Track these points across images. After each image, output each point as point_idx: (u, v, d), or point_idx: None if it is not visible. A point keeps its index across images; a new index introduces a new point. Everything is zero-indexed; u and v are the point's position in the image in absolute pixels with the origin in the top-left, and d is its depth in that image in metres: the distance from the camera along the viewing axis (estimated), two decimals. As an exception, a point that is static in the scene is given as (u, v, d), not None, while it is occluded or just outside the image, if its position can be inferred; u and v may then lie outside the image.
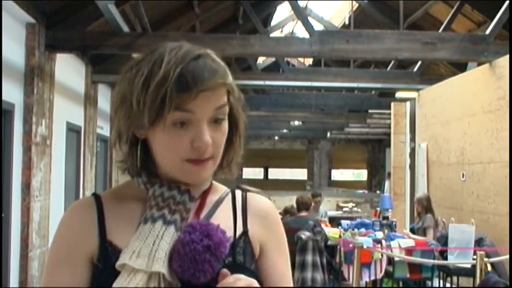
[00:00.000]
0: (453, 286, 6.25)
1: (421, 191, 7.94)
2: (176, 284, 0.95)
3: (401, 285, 6.33)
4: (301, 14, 7.53)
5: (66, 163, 7.31)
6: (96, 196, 1.06)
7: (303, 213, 7.23)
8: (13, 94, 5.47)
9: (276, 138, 22.23)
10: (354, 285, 5.52)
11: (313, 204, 8.19)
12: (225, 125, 1.01)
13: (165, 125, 0.96)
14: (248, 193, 1.12)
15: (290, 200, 8.35)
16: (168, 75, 0.94)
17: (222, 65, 1.02)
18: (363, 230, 7.00)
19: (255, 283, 0.90)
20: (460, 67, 9.02)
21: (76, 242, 1.00)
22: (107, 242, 0.99)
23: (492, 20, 6.72)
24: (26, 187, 5.64)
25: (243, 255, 1.02)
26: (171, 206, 1.00)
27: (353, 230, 6.87)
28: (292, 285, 1.05)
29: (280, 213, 8.13)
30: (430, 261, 5.91)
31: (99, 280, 0.97)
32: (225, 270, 0.93)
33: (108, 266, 0.95)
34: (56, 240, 1.03)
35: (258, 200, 1.11)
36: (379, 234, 6.62)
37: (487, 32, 6.50)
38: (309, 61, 15.21)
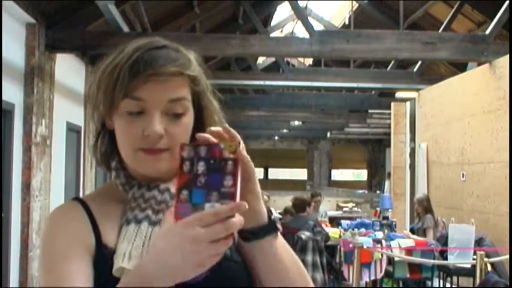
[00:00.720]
0: (453, 286, 6.25)
1: (420, 192, 7.94)
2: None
3: (401, 285, 6.33)
4: (301, 14, 7.53)
5: (66, 163, 7.31)
6: (79, 200, 1.03)
7: (303, 214, 7.24)
8: (13, 94, 5.47)
9: (276, 138, 22.24)
10: (354, 285, 5.52)
11: (313, 204, 8.20)
12: (186, 119, 0.98)
13: (118, 112, 0.96)
14: None
15: (290, 200, 8.36)
16: (122, 61, 0.96)
17: (188, 57, 1.00)
18: (363, 230, 7.00)
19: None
20: (460, 67, 9.02)
21: (76, 238, 0.96)
22: (102, 245, 0.97)
23: (492, 20, 6.72)
24: (26, 187, 5.64)
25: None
26: (154, 206, 0.99)
27: (353, 230, 6.88)
28: None
29: (280, 213, 8.14)
30: (430, 261, 5.91)
31: (97, 284, 0.93)
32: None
33: (106, 270, 0.93)
34: (51, 237, 0.98)
35: None
36: (379, 234, 6.62)
37: (487, 32, 6.50)
38: (309, 61, 15.21)
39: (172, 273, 0.80)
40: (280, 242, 0.96)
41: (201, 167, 0.84)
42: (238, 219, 0.79)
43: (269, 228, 0.93)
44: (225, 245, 0.79)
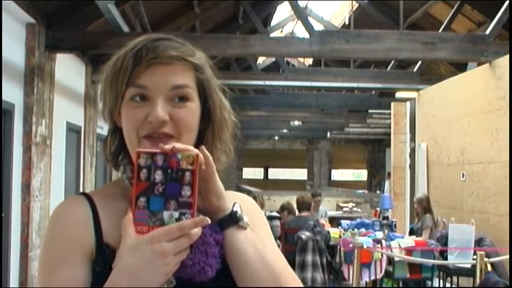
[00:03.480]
0: (453, 286, 6.25)
1: (421, 191, 7.94)
2: (171, 282, 0.91)
3: (401, 285, 6.33)
4: (301, 14, 7.53)
5: (66, 163, 7.31)
6: (86, 195, 1.02)
7: (304, 213, 7.23)
8: (13, 94, 5.47)
9: (276, 138, 22.24)
10: (354, 285, 5.52)
11: (313, 204, 8.20)
12: (192, 105, 0.98)
13: (124, 101, 0.97)
14: (227, 192, 1.06)
15: (290, 200, 8.35)
16: (127, 51, 0.98)
17: (190, 47, 1.01)
18: (363, 230, 6.99)
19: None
20: (460, 67, 9.03)
21: (74, 241, 0.95)
22: (104, 244, 0.96)
23: (492, 20, 6.72)
24: (26, 187, 5.64)
25: None
26: None
27: (353, 230, 6.87)
28: (282, 258, 1.02)
29: (277, 211, 8.14)
30: (430, 261, 5.91)
31: (98, 284, 0.92)
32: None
33: (107, 270, 0.92)
34: (50, 238, 0.98)
35: (237, 198, 1.07)
36: (379, 234, 6.62)
37: (487, 32, 6.50)
38: (309, 61, 15.21)
39: (143, 285, 0.85)
40: (245, 236, 0.97)
41: (158, 175, 0.87)
42: (197, 230, 0.86)
43: (229, 220, 0.96)
44: (186, 253, 0.87)
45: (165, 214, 0.86)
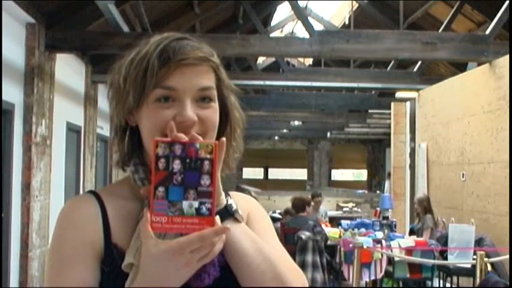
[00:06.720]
0: (453, 286, 6.25)
1: (421, 192, 7.95)
2: None
3: (401, 285, 6.33)
4: (301, 14, 7.53)
5: (66, 163, 7.31)
6: (95, 194, 1.02)
7: (302, 214, 7.23)
8: (13, 94, 5.48)
9: (276, 138, 22.23)
10: (354, 285, 5.52)
11: (313, 204, 8.20)
12: (215, 106, 0.99)
13: (148, 102, 0.95)
14: (230, 192, 1.07)
15: (290, 200, 8.35)
16: (150, 51, 0.96)
17: (208, 47, 1.01)
18: (363, 230, 6.99)
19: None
20: (460, 67, 9.03)
21: (85, 240, 0.96)
22: (112, 244, 0.96)
23: (492, 20, 6.72)
24: (26, 187, 5.64)
25: None
26: None
27: (353, 230, 6.87)
28: (283, 251, 1.02)
29: (280, 213, 8.14)
30: (430, 261, 5.91)
31: (105, 284, 0.93)
32: None
33: (115, 270, 0.92)
34: (60, 237, 0.97)
35: (239, 197, 1.08)
36: (379, 234, 6.61)
37: (487, 32, 6.50)
38: (309, 61, 15.21)
39: None
40: (241, 229, 0.96)
41: (176, 165, 0.85)
42: (220, 237, 0.86)
43: (225, 213, 0.95)
44: (210, 257, 0.87)
45: (185, 204, 0.85)
